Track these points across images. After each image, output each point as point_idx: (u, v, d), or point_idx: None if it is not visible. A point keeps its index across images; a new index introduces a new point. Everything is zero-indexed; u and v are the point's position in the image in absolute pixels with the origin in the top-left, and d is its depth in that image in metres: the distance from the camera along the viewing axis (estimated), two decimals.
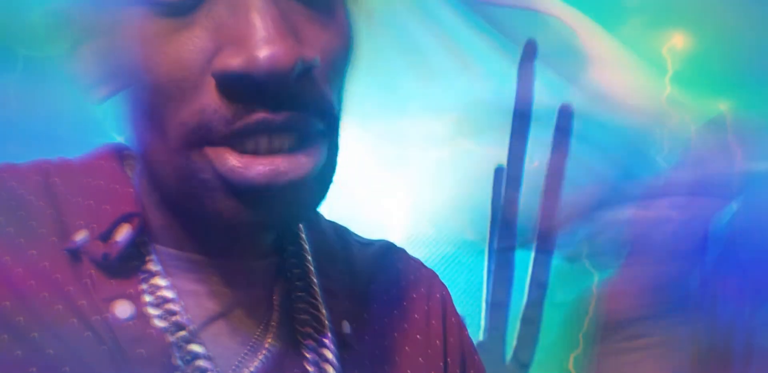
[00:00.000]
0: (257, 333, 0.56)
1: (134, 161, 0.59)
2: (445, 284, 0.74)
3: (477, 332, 2.38)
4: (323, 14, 0.47)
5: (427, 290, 0.69)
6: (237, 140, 0.45)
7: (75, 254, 0.51)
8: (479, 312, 2.37)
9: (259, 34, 0.42)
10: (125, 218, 0.52)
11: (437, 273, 0.75)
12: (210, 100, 0.44)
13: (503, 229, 2.31)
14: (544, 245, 2.33)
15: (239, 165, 0.45)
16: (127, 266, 0.52)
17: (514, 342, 2.34)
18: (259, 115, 0.44)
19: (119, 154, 0.60)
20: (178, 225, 0.53)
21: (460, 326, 0.71)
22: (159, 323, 0.51)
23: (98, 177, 0.55)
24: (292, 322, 0.58)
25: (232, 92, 0.44)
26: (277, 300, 0.59)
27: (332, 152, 0.49)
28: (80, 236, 0.51)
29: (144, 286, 0.52)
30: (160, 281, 0.52)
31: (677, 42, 3.98)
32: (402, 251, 0.74)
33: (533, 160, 2.79)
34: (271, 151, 0.45)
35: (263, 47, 0.41)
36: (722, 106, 3.91)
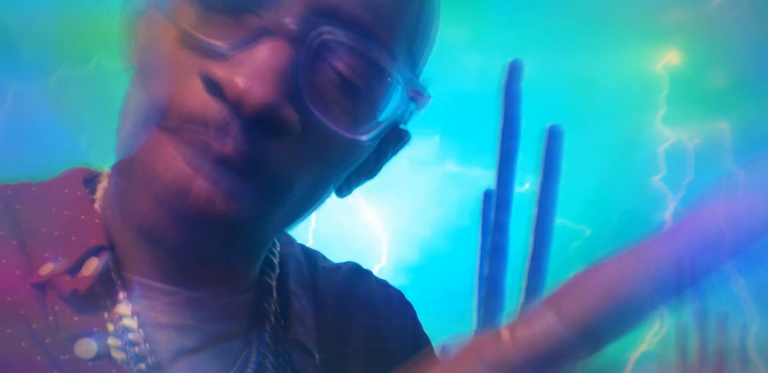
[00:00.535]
0: (232, 371, 0.55)
1: (102, 185, 0.59)
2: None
3: None
4: (358, 107, 0.49)
5: (394, 311, 0.70)
6: (188, 135, 0.46)
7: (40, 288, 0.50)
8: None
9: (257, 68, 0.44)
10: (93, 252, 0.52)
11: (403, 292, 0.76)
12: (193, 90, 0.46)
13: (493, 255, 2.29)
14: (536, 272, 2.32)
15: (177, 166, 0.46)
16: (94, 300, 0.51)
17: None
18: (214, 135, 0.45)
19: (85, 180, 0.60)
20: (149, 252, 0.52)
21: (429, 343, 0.72)
22: (120, 355, 0.50)
23: (64, 206, 0.54)
24: (266, 359, 0.57)
25: (215, 93, 0.45)
26: (254, 337, 0.58)
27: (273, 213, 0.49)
28: (46, 270, 0.50)
29: (107, 315, 0.51)
30: (124, 310, 0.52)
31: (672, 59, 4.02)
32: (368, 273, 0.75)
33: (523, 183, 2.79)
34: (211, 169, 0.46)
35: (250, 80, 0.43)
36: (722, 125, 3.95)
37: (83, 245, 0.52)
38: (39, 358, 0.47)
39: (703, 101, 4.00)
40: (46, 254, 0.51)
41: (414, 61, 0.53)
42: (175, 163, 0.47)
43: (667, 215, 4.04)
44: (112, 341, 0.51)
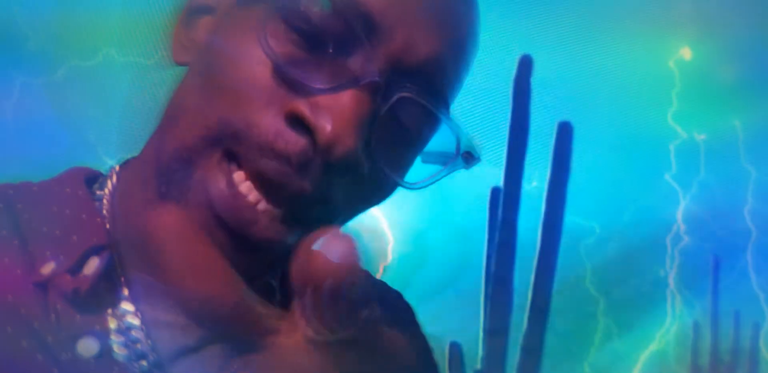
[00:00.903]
0: (233, 369, 0.55)
1: (105, 184, 0.59)
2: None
3: (475, 361, 2.36)
4: (404, 153, 0.52)
5: (395, 312, 0.71)
6: (251, 163, 0.48)
7: (42, 287, 0.50)
8: (477, 340, 2.36)
9: (345, 117, 0.47)
10: (94, 251, 0.52)
11: (409, 290, 0.77)
12: (273, 120, 0.48)
13: (501, 252, 2.29)
14: (545, 269, 2.32)
15: (228, 191, 0.48)
16: (96, 299, 0.52)
17: (514, 372, 2.32)
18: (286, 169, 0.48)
19: (86, 179, 0.60)
20: (152, 252, 0.53)
21: (427, 344, 0.73)
22: (122, 351, 0.51)
23: (64, 205, 0.55)
24: None
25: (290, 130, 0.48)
26: None
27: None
28: (48, 269, 0.51)
29: (111, 311, 0.52)
30: (126, 307, 0.52)
31: (684, 54, 4.01)
32: (367, 274, 0.75)
33: (532, 181, 2.79)
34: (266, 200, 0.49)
35: (340, 128, 0.46)
36: (734, 122, 3.93)
37: (84, 245, 0.52)
38: (40, 357, 0.48)
39: (716, 98, 3.98)
40: (47, 254, 0.52)
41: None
42: (238, 192, 0.48)
43: (679, 212, 4.03)
44: (114, 338, 0.52)
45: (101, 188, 0.59)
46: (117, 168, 0.61)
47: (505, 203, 2.27)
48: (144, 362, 0.52)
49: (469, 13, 0.55)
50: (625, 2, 3.59)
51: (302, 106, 0.48)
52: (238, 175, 0.49)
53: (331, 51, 0.49)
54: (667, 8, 3.60)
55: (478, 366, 2.34)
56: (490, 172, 2.25)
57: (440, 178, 0.55)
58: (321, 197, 0.50)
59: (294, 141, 0.48)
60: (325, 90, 0.48)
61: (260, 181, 0.48)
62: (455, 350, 2.48)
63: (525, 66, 2.32)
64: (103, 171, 0.62)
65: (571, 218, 2.41)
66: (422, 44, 0.50)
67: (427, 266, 3.39)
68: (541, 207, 2.30)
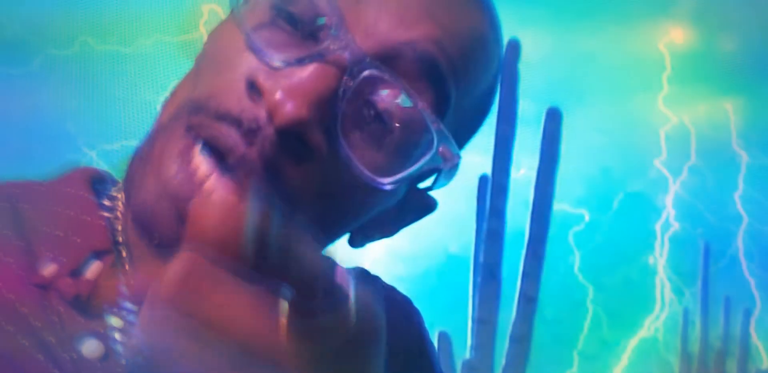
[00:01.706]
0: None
1: (112, 187, 0.59)
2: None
3: (463, 350, 2.38)
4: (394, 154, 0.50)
5: (403, 319, 0.70)
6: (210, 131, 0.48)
7: (43, 289, 0.50)
8: (465, 329, 2.38)
9: (297, 85, 0.46)
10: (97, 255, 0.53)
11: (410, 298, 0.76)
12: (234, 88, 0.48)
13: (489, 241, 2.31)
14: (534, 257, 2.34)
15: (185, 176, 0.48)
16: (98, 302, 0.52)
17: (503, 361, 2.34)
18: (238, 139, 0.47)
19: (91, 180, 0.60)
20: (155, 251, 0.54)
21: (434, 352, 0.72)
22: (126, 353, 0.51)
23: (68, 206, 0.55)
24: None
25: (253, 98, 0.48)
26: None
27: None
28: (49, 271, 0.51)
29: (114, 312, 0.52)
30: (132, 307, 0.52)
31: (676, 36, 4.01)
32: (377, 278, 0.74)
33: (520, 168, 2.80)
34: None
35: (288, 94, 0.46)
36: (727, 106, 3.95)
37: (86, 247, 0.53)
38: (41, 357, 0.48)
39: (707, 81, 4.00)
40: (50, 255, 0.52)
41: (461, 121, 0.55)
42: (188, 158, 0.48)
43: (668, 198, 4.06)
44: (118, 338, 0.52)
45: (109, 190, 0.58)
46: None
47: (493, 191, 2.29)
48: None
49: (475, 5, 0.53)
50: None
51: (261, 76, 0.48)
52: (195, 150, 0.48)
53: (304, 30, 0.49)
54: None
55: (467, 355, 2.36)
56: (478, 161, 2.26)
57: (415, 177, 0.52)
58: (273, 173, 0.48)
59: (249, 107, 0.48)
60: (289, 63, 0.48)
61: (212, 150, 0.48)
62: (444, 339, 2.50)
63: (512, 50, 2.33)
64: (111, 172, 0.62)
65: (560, 206, 2.44)
66: (406, 26, 0.49)
67: (414, 256, 3.41)
68: (529, 195, 2.32)
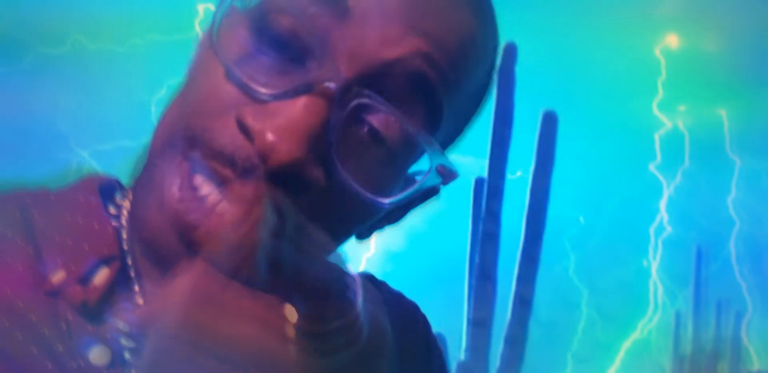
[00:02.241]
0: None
1: (120, 195, 0.59)
2: (424, 300, 0.74)
3: (458, 352, 2.38)
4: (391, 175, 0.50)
5: (411, 325, 0.70)
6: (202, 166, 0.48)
7: (53, 296, 0.51)
8: (460, 330, 2.38)
9: (288, 124, 0.45)
10: (105, 261, 0.53)
11: (417, 303, 0.76)
12: (226, 125, 0.47)
13: (484, 243, 2.31)
14: (529, 260, 2.34)
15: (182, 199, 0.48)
16: (107, 308, 0.52)
17: (498, 363, 2.34)
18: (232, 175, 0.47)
19: (101, 188, 0.60)
20: (162, 262, 0.54)
21: (442, 358, 0.72)
22: (134, 360, 0.51)
23: (77, 214, 0.55)
24: None
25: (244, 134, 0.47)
26: None
27: None
28: (58, 279, 0.51)
29: (123, 319, 0.52)
30: (138, 314, 0.53)
31: (671, 42, 4.02)
32: (383, 284, 0.74)
33: (516, 171, 2.80)
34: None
35: (279, 136, 0.45)
36: (721, 111, 3.96)
37: (95, 254, 0.53)
38: (49, 364, 0.48)
39: (702, 86, 4.01)
40: (59, 262, 0.52)
41: (455, 119, 0.55)
42: (191, 185, 0.48)
43: (662, 202, 4.07)
44: (126, 345, 0.52)
45: (117, 197, 0.59)
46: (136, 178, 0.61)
47: (489, 193, 2.29)
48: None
49: (462, 7, 0.51)
50: None
51: (247, 113, 0.47)
52: (196, 178, 0.48)
53: (288, 54, 0.48)
54: None
55: (462, 357, 2.36)
56: (474, 163, 2.26)
57: (415, 196, 0.52)
58: (276, 208, 0.48)
59: (242, 146, 0.47)
60: (276, 96, 0.47)
61: (210, 184, 0.48)
62: (439, 341, 2.50)
63: (509, 54, 2.33)
64: (119, 179, 0.62)
65: (555, 209, 2.44)
66: (391, 44, 0.47)
67: (410, 257, 3.41)
68: (525, 197, 2.32)
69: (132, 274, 0.55)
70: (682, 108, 3.95)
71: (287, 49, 0.47)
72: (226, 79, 0.48)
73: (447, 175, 0.53)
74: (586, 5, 3.57)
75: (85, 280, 0.52)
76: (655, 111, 3.85)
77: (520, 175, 2.52)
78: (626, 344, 3.69)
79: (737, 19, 3.79)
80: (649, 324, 3.75)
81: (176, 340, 0.42)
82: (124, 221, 0.57)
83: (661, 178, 3.87)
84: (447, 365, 0.72)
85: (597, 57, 3.65)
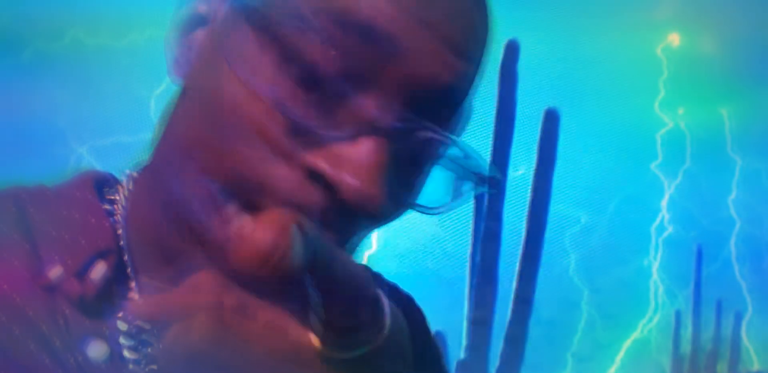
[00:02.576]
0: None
1: (115, 190, 0.60)
2: (424, 299, 0.75)
3: (458, 351, 2.38)
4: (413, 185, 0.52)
5: (407, 316, 0.70)
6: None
7: (49, 291, 0.51)
8: (461, 329, 2.38)
9: (366, 168, 0.46)
10: (102, 255, 0.53)
11: (413, 296, 0.76)
12: (291, 173, 0.47)
13: (486, 242, 2.30)
14: (530, 259, 2.33)
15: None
16: (104, 303, 0.52)
17: (498, 362, 2.34)
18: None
19: (97, 183, 0.59)
20: (163, 259, 0.53)
21: (438, 350, 0.72)
22: (132, 355, 0.51)
23: (74, 209, 0.55)
24: None
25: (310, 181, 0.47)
26: None
27: None
28: (55, 273, 0.52)
29: (120, 315, 0.52)
30: (136, 308, 0.53)
31: (673, 41, 4.02)
32: (378, 275, 0.75)
33: (518, 168, 2.80)
34: None
35: (362, 182, 0.46)
36: (722, 111, 3.96)
37: (92, 249, 0.53)
38: (47, 359, 0.49)
39: (703, 86, 4.01)
40: (55, 257, 0.52)
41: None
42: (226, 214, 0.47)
43: (663, 201, 4.07)
44: (124, 342, 0.52)
45: (112, 193, 0.59)
46: (134, 174, 0.61)
47: (490, 192, 2.28)
48: (155, 366, 0.52)
49: (483, 19, 0.52)
50: None
51: (321, 162, 0.46)
52: (230, 206, 0.48)
53: (339, 89, 0.47)
54: None
55: (462, 356, 2.36)
56: None
57: (464, 202, 0.55)
58: (338, 239, 0.50)
59: (315, 195, 0.47)
60: (341, 138, 0.47)
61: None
62: (439, 339, 2.50)
63: (511, 51, 2.32)
64: (115, 175, 0.63)
65: (556, 207, 2.43)
66: (441, 72, 0.48)
67: (411, 255, 3.40)
68: (526, 195, 2.31)
69: (129, 270, 0.54)
70: (683, 108, 3.95)
71: (330, 82, 0.47)
72: (278, 118, 0.47)
73: (493, 183, 0.55)
74: (588, 4, 3.56)
75: (82, 274, 0.52)
76: (657, 111, 3.84)
77: (522, 172, 2.51)
78: (626, 344, 3.69)
79: (738, 19, 3.79)
80: (650, 324, 3.76)
81: (200, 342, 0.42)
82: (119, 217, 0.57)
83: (662, 177, 3.86)
84: (443, 358, 0.73)
85: (599, 56, 3.65)
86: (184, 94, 0.53)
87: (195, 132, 0.50)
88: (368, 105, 0.47)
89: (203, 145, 0.49)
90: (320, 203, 0.47)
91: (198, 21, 0.53)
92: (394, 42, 0.46)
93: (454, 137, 0.49)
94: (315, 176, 0.47)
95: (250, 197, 0.48)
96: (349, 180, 0.46)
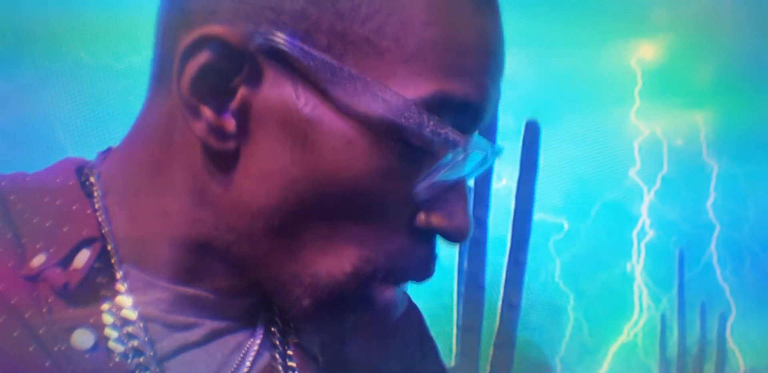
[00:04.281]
0: (234, 367, 0.56)
1: (98, 178, 0.59)
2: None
3: (449, 357, 2.38)
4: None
5: (403, 316, 0.70)
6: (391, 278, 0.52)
7: (33, 280, 0.50)
8: (450, 336, 2.38)
9: (467, 214, 0.51)
10: (85, 243, 0.52)
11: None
12: (407, 242, 0.51)
13: (472, 249, 2.31)
14: (516, 265, 2.34)
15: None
16: (89, 292, 0.51)
17: (488, 367, 2.34)
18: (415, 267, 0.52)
19: (78, 170, 0.60)
20: (152, 248, 0.52)
21: (435, 350, 0.72)
22: (118, 348, 0.50)
23: (56, 196, 0.54)
24: (273, 358, 0.58)
25: (423, 241, 0.51)
26: (256, 336, 0.58)
27: None
28: (38, 262, 0.50)
29: (107, 306, 0.51)
30: (124, 301, 0.51)
31: (646, 53, 4.07)
32: None
33: (501, 179, 2.81)
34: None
35: (466, 226, 0.51)
36: (697, 117, 4.00)
37: (75, 236, 0.52)
38: (32, 347, 0.48)
39: (677, 95, 4.06)
40: (38, 246, 0.51)
41: None
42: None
43: (644, 207, 4.10)
44: (109, 333, 0.51)
45: (87, 178, 0.58)
46: (103, 156, 0.60)
47: (475, 201, 2.30)
48: (141, 359, 0.51)
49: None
50: (589, 1, 3.64)
51: (435, 219, 0.51)
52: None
53: (436, 152, 0.50)
54: (631, 7, 3.66)
55: (452, 362, 2.35)
56: None
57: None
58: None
59: (421, 253, 0.52)
60: (439, 192, 0.51)
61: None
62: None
63: None
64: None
65: (539, 215, 2.45)
66: (493, 110, 0.53)
67: None
68: (510, 204, 2.33)
69: (113, 260, 0.53)
70: (658, 116, 3.99)
71: (427, 150, 0.50)
72: (398, 193, 0.50)
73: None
74: (564, 17, 3.60)
75: (65, 262, 0.51)
76: (633, 119, 3.88)
77: (505, 183, 2.53)
78: (613, 348, 3.69)
79: (709, 29, 3.84)
80: (636, 327, 3.76)
81: None
82: (97, 204, 0.55)
83: (641, 183, 3.89)
84: (439, 353, 0.72)
85: (576, 69, 3.69)
86: (236, 155, 0.49)
87: (294, 206, 0.49)
88: (449, 154, 0.50)
89: (327, 228, 0.50)
90: (430, 255, 0.52)
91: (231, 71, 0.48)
92: (487, 107, 0.51)
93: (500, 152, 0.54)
94: (426, 235, 0.51)
95: (382, 275, 0.52)
96: (458, 224, 0.51)
